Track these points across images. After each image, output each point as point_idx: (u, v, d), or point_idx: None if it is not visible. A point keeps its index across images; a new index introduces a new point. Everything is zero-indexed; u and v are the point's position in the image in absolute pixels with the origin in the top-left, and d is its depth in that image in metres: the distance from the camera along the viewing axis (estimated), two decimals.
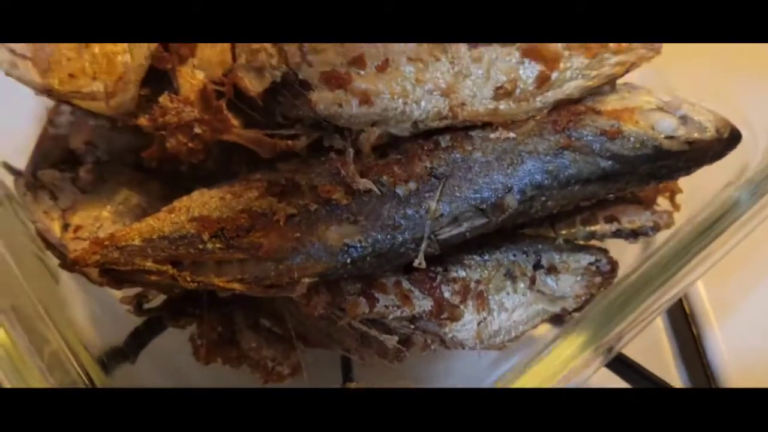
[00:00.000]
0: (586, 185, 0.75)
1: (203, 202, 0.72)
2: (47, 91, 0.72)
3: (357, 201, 0.71)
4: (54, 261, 0.81)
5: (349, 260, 0.70)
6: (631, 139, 0.73)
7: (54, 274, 0.80)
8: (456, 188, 0.73)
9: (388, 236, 0.71)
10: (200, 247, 0.68)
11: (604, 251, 0.86)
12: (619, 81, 0.80)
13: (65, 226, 0.79)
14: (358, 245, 0.70)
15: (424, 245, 0.72)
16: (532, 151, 0.73)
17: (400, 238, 0.71)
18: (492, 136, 0.74)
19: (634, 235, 0.88)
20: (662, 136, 0.73)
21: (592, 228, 0.87)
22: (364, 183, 0.71)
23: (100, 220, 0.79)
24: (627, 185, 0.77)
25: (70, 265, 0.67)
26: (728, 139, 0.74)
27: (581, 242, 0.87)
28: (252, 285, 0.69)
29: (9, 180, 0.89)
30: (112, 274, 0.68)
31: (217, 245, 0.69)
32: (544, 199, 0.75)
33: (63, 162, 0.87)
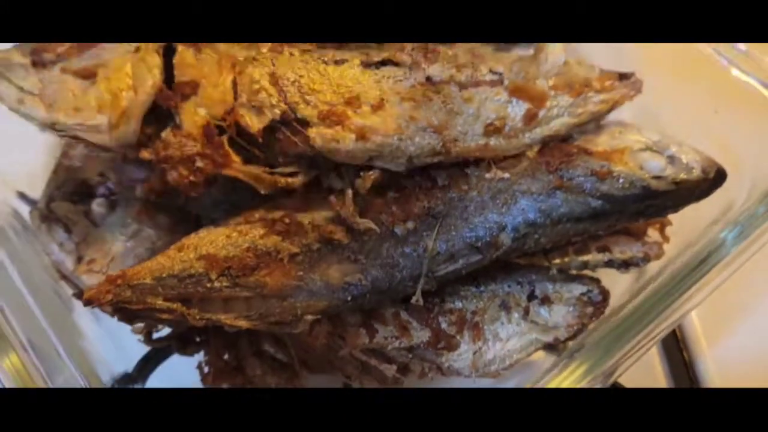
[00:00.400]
0: (578, 223, 0.78)
1: (210, 240, 0.75)
2: (52, 125, 0.75)
3: (357, 240, 0.75)
4: (68, 290, 0.84)
5: (349, 297, 0.74)
6: (621, 179, 0.76)
7: (67, 303, 0.84)
8: (452, 227, 0.76)
9: (387, 274, 0.74)
10: (208, 285, 0.72)
11: (597, 281, 0.89)
12: (612, 116, 0.84)
13: (79, 259, 0.82)
14: (359, 283, 0.73)
15: (421, 282, 0.75)
16: (525, 191, 0.77)
17: (399, 276, 0.75)
18: (487, 176, 0.78)
19: (625, 265, 0.91)
20: (650, 176, 0.76)
21: (585, 258, 0.90)
22: (364, 223, 0.74)
23: (112, 254, 0.83)
24: (617, 222, 0.80)
25: (85, 301, 0.71)
26: (714, 179, 0.78)
27: (574, 272, 0.90)
28: (257, 322, 0.72)
29: (24, 210, 0.93)
30: (125, 312, 0.71)
31: (224, 284, 0.72)
32: (537, 236, 0.78)
33: (76, 193, 0.90)
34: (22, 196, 0.96)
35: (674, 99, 0.90)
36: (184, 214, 0.85)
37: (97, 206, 0.86)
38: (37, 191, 0.94)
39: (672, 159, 0.78)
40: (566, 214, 0.77)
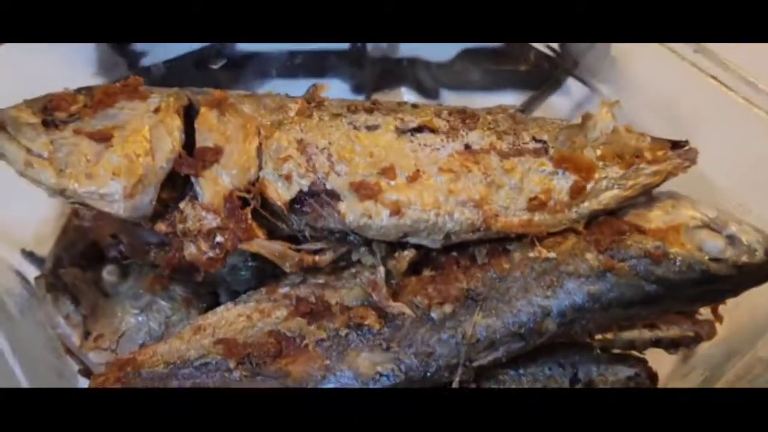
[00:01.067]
0: (629, 308, 0.72)
1: (229, 321, 0.70)
2: (62, 191, 0.70)
3: (390, 325, 0.69)
4: (72, 367, 0.78)
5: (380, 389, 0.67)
6: (678, 262, 0.70)
7: (71, 381, 0.78)
8: (493, 311, 0.70)
9: (422, 363, 0.68)
10: (227, 374, 0.66)
11: (644, 362, 0.82)
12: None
13: (86, 334, 0.76)
14: (391, 373, 0.67)
15: (459, 373, 0.69)
16: (572, 273, 0.70)
17: (435, 365, 0.68)
18: (531, 255, 0.72)
19: (674, 345, 0.84)
20: (709, 258, 0.70)
21: (631, 336, 0.84)
22: (399, 307, 0.68)
23: (122, 329, 0.77)
24: (671, 308, 0.74)
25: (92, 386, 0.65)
26: None
27: (618, 351, 0.84)
28: None
29: (29, 271, 0.87)
30: None
31: (245, 372, 0.66)
32: (584, 321, 0.72)
33: (86, 256, 0.85)
34: (29, 254, 0.91)
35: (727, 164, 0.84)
36: (200, 284, 0.79)
37: (108, 274, 0.80)
38: (43, 249, 0.89)
39: (732, 239, 0.71)
40: (617, 298, 0.70)
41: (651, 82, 0.90)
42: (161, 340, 0.76)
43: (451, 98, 1.16)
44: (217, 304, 0.80)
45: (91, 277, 0.81)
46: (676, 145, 0.77)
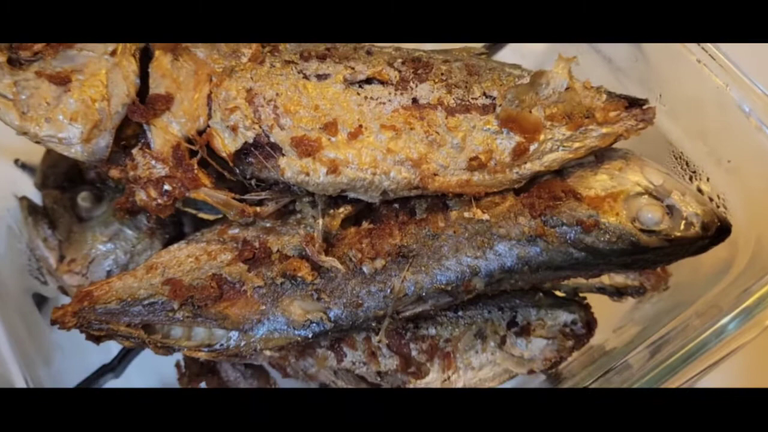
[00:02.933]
0: (558, 271, 0.74)
1: (179, 261, 0.75)
2: (24, 133, 0.74)
3: (323, 277, 0.73)
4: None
5: (310, 335, 0.73)
6: (608, 232, 0.71)
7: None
8: (423, 267, 0.73)
9: (351, 314, 0.73)
10: (171, 314, 0.72)
11: (586, 308, 0.85)
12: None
13: (61, 258, 0.84)
14: (320, 321, 0.72)
15: (385, 323, 0.74)
16: (504, 236, 0.72)
17: (363, 316, 0.73)
18: (466, 215, 0.73)
19: (618, 293, 0.87)
20: (641, 230, 0.70)
21: (577, 282, 0.86)
22: (330, 262, 0.72)
23: (92, 256, 0.84)
24: (600, 272, 0.76)
25: (51, 322, 0.72)
26: (713, 236, 0.71)
27: (562, 295, 0.87)
28: (217, 353, 0.73)
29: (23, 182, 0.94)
30: (90, 334, 0.73)
31: (187, 314, 0.72)
32: (512, 281, 0.75)
33: (68, 177, 0.90)
34: (23, 165, 0.97)
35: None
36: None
37: (82, 200, 0.86)
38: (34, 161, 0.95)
39: (671, 209, 0.71)
40: (545, 262, 0.72)
41: None
42: (126, 267, 0.84)
43: None
44: (181, 232, 0.86)
45: (69, 198, 0.87)
46: (633, 103, 0.75)
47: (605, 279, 0.87)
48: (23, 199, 0.88)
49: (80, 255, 0.83)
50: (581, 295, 0.87)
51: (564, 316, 0.84)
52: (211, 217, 0.83)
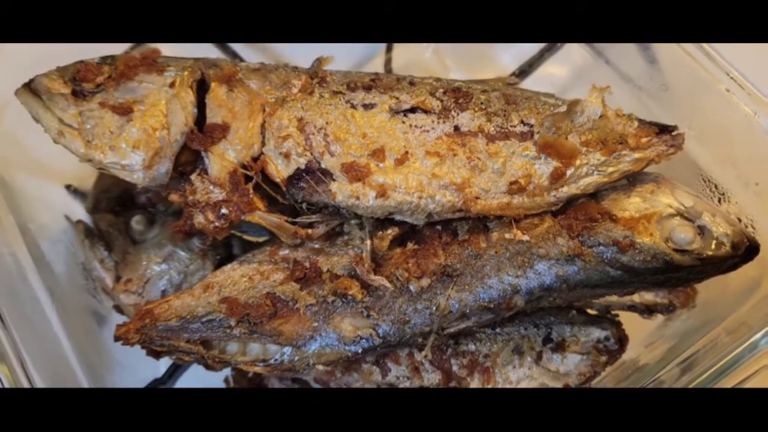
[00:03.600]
0: (594, 289, 0.78)
1: (234, 281, 0.79)
2: (89, 160, 0.79)
3: (372, 295, 0.77)
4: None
5: (360, 350, 0.77)
6: (643, 252, 0.74)
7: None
8: (466, 286, 0.77)
9: (399, 330, 0.77)
10: (228, 331, 0.76)
11: (617, 324, 0.89)
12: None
13: (117, 278, 0.88)
14: (370, 338, 0.76)
15: (431, 339, 0.77)
16: (544, 255, 0.76)
17: (410, 332, 0.77)
18: (507, 236, 0.77)
19: (649, 311, 0.90)
20: (674, 249, 0.74)
21: (609, 300, 0.90)
22: (379, 280, 0.76)
23: (147, 276, 0.88)
24: (635, 290, 0.80)
25: (115, 338, 0.76)
26: (743, 255, 0.75)
27: (594, 312, 0.90)
28: (272, 367, 0.77)
29: (74, 207, 0.98)
30: (151, 350, 0.77)
31: (243, 330, 0.76)
32: (551, 298, 0.78)
33: (120, 201, 0.95)
34: (74, 191, 1.01)
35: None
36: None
37: (136, 223, 0.90)
38: (86, 185, 1.00)
39: (702, 230, 0.75)
40: (583, 281, 0.76)
41: None
42: (180, 287, 0.88)
43: None
44: (231, 254, 0.90)
45: (123, 222, 0.91)
46: (664, 129, 0.79)
47: (636, 297, 0.90)
48: (79, 223, 0.93)
49: (136, 275, 0.88)
50: (613, 312, 0.90)
51: (597, 333, 0.87)
52: (255, 239, 0.88)
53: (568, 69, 1.09)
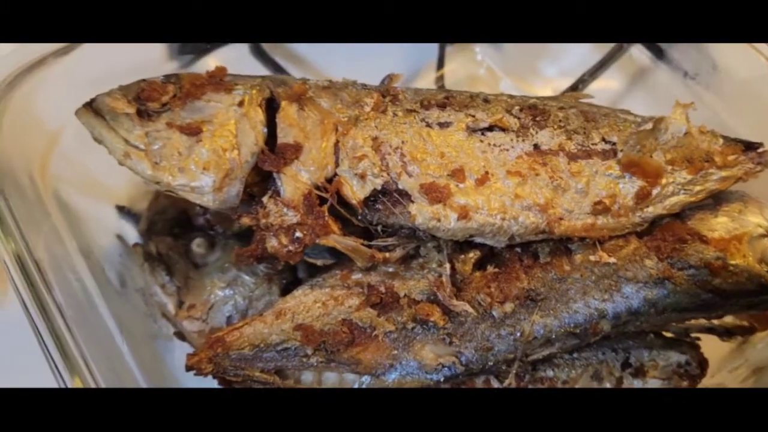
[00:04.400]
0: (683, 313, 0.75)
1: (307, 307, 0.76)
2: (157, 182, 0.76)
3: (453, 321, 0.74)
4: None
5: (442, 378, 0.74)
6: (736, 274, 0.72)
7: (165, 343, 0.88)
8: (551, 311, 0.74)
9: (482, 357, 0.74)
10: (305, 359, 0.73)
11: (696, 348, 0.85)
12: None
13: (180, 304, 0.85)
14: (452, 365, 0.73)
15: (515, 367, 0.74)
16: (631, 278, 0.74)
17: (493, 359, 0.74)
18: (592, 258, 0.75)
19: (728, 333, 0.87)
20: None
21: (686, 323, 0.87)
22: (461, 306, 0.73)
23: (211, 302, 0.85)
24: (725, 314, 0.77)
25: (187, 368, 0.73)
26: None
27: (672, 335, 0.87)
28: None
29: (126, 229, 0.95)
30: (224, 380, 0.74)
31: (320, 359, 0.73)
32: (638, 323, 0.75)
33: (176, 223, 0.92)
34: (127, 212, 0.99)
35: None
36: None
37: (197, 246, 0.87)
38: (138, 207, 0.97)
39: None
40: (672, 304, 0.73)
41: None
42: (246, 312, 0.85)
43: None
44: (296, 278, 0.88)
45: (183, 245, 0.88)
46: (749, 147, 0.77)
47: (715, 320, 0.87)
48: (137, 246, 0.90)
49: (200, 301, 0.85)
50: (692, 335, 0.87)
51: (676, 357, 0.84)
52: (321, 263, 0.85)
53: (618, 82, 1.07)
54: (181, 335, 0.86)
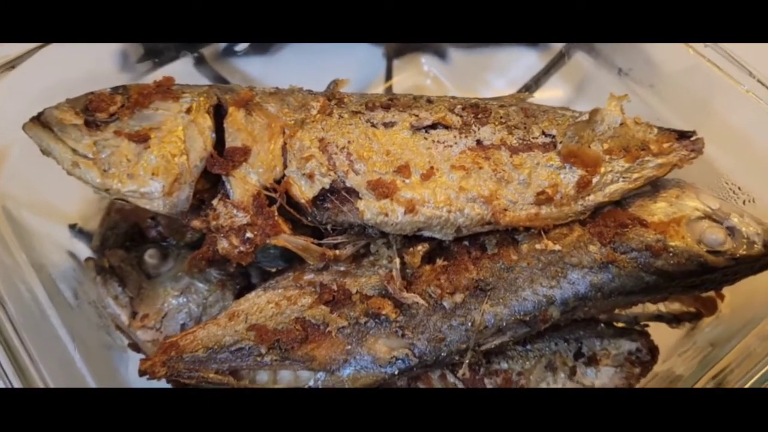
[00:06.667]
0: (629, 295, 0.77)
1: (260, 308, 0.77)
2: (106, 190, 0.76)
3: (405, 313, 0.75)
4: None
5: (396, 372, 0.74)
6: (677, 255, 0.74)
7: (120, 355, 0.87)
8: (500, 300, 0.75)
9: (435, 348, 0.74)
10: (259, 359, 0.73)
11: (646, 335, 0.88)
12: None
13: (133, 314, 0.84)
14: (406, 358, 0.74)
15: (468, 356, 0.75)
16: (576, 264, 0.75)
17: (446, 350, 0.75)
18: (537, 246, 0.76)
19: (676, 320, 0.89)
20: (707, 251, 0.74)
21: (634, 311, 0.89)
22: (411, 298, 0.74)
23: (165, 310, 0.85)
24: (669, 295, 0.79)
25: (140, 373, 0.73)
26: None
27: (622, 324, 0.89)
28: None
29: (77, 247, 0.95)
30: (178, 382, 0.73)
31: (274, 357, 0.73)
32: (586, 308, 0.77)
33: (129, 236, 0.92)
34: (78, 230, 0.98)
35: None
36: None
37: (149, 257, 0.87)
38: (89, 225, 0.97)
39: (732, 231, 0.75)
40: (618, 288, 0.75)
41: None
42: (200, 319, 0.85)
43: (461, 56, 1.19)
44: (250, 283, 0.88)
45: (135, 257, 0.88)
46: (683, 135, 0.80)
47: (662, 306, 0.90)
48: (89, 260, 0.89)
49: (153, 310, 0.84)
50: (641, 323, 0.89)
51: (627, 345, 0.86)
52: (272, 269, 0.86)
53: (563, 91, 1.11)
54: (135, 346, 0.85)
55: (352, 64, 1.17)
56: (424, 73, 1.18)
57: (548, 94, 1.16)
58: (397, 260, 0.77)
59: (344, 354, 0.74)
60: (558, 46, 1.11)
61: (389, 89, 1.16)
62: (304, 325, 0.75)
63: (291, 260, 0.85)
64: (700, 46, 0.84)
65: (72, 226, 0.98)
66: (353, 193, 0.76)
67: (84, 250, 0.95)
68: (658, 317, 0.89)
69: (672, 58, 0.88)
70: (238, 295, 0.85)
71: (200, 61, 1.09)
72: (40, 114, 0.77)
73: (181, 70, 1.04)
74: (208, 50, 1.09)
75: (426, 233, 0.77)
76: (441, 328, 0.75)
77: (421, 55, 1.18)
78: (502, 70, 1.18)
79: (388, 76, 1.18)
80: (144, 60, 1.00)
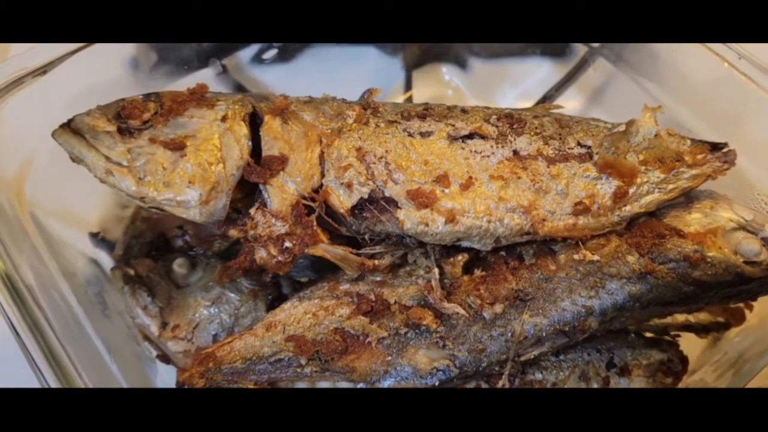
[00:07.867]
0: (666, 306, 0.77)
1: (297, 318, 0.76)
2: (141, 198, 0.75)
3: (445, 324, 0.74)
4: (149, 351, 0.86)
5: (437, 382, 0.74)
6: (714, 266, 0.74)
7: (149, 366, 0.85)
8: (540, 310, 0.75)
9: (475, 359, 0.74)
10: (299, 370, 0.72)
11: (675, 346, 0.88)
12: None
13: (163, 325, 0.83)
14: (447, 369, 0.73)
15: (508, 367, 0.75)
16: (615, 274, 0.76)
17: (486, 361, 0.75)
18: (576, 257, 0.76)
19: (705, 330, 0.90)
20: (744, 261, 0.74)
21: (664, 321, 0.89)
22: (452, 308, 0.74)
23: (196, 321, 0.83)
24: (705, 305, 0.79)
25: (178, 384, 0.72)
26: None
27: (651, 335, 0.89)
28: None
29: (100, 255, 0.93)
30: None
31: (314, 368, 0.73)
32: (623, 319, 0.77)
33: (154, 246, 0.91)
34: (101, 239, 0.96)
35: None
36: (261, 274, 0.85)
37: (178, 267, 0.86)
38: (111, 234, 0.95)
39: (767, 241, 0.75)
40: (655, 298, 0.75)
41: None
42: (232, 330, 0.83)
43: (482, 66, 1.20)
44: (281, 294, 0.87)
45: (163, 267, 0.87)
46: (715, 147, 0.80)
47: (690, 317, 0.90)
48: (116, 269, 0.88)
49: (184, 321, 0.83)
50: (671, 334, 0.90)
51: (658, 355, 0.86)
52: (303, 279, 0.85)
53: (579, 102, 1.12)
54: (164, 358, 0.84)
55: (369, 74, 1.18)
56: (445, 83, 1.18)
57: (564, 104, 1.17)
58: (436, 270, 0.76)
59: (384, 365, 0.73)
60: (578, 56, 1.12)
61: (409, 99, 1.16)
62: (343, 336, 0.74)
63: (320, 271, 0.84)
64: (732, 57, 0.84)
65: (94, 235, 0.96)
66: (392, 202, 0.75)
67: (105, 259, 0.94)
68: (687, 327, 0.90)
69: (702, 68, 0.88)
70: (270, 305, 0.84)
71: (221, 71, 1.09)
72: (70, 121, 0.76)
73: (202, 79, 1.04)
74: (230, 60, 1.09)
75: (464, 243, 0.77)
76: (481, 338, 0.74)
77: (442, 65, 1.18)
78: (522, 79, 1.19)
79: (408, 86, 1.18)
80: (164, 65, 0.99)
